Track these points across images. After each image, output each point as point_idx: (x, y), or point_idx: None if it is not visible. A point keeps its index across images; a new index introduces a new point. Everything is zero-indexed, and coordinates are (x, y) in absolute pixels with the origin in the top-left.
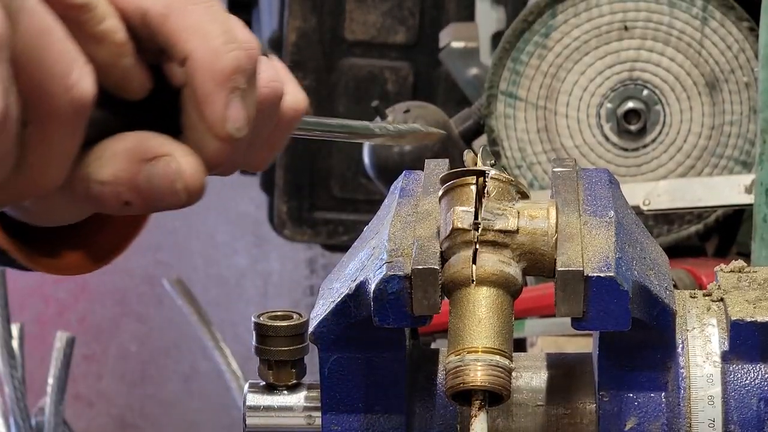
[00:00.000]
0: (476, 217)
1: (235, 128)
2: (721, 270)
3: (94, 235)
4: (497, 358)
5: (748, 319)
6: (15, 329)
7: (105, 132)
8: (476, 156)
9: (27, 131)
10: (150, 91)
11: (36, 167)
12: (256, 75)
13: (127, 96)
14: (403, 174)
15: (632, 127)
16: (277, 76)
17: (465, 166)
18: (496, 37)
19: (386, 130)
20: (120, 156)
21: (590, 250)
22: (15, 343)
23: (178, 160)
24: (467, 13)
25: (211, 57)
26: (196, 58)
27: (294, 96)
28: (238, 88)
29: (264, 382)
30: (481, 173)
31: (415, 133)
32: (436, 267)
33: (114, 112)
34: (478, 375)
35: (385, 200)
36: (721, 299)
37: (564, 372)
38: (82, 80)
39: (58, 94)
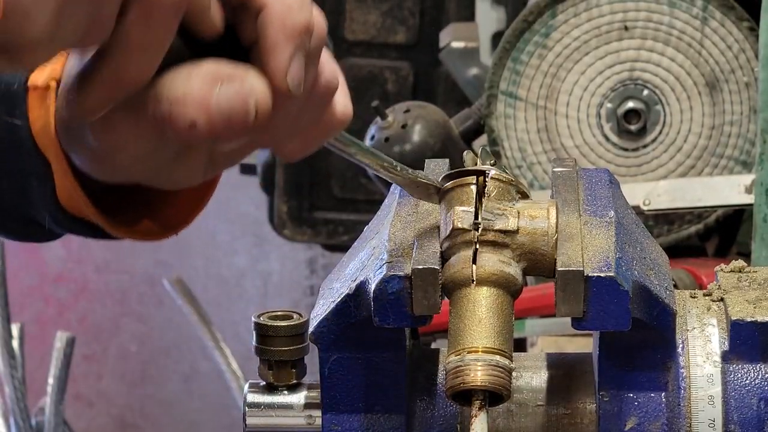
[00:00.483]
0: (476, 217)
1: (294, 84)
2: (721, 270)
3: (163, 208)
4: (497, 358)
5: (749, 319)
6: (15, 329)
7: (177, 60)
8: (476, 156)
9: (130, 10)
10: (220, 37)
11: (133, 50)
12: (320, 51)
13: (200, 31)
14: None
15: (632, 127)
16: (335, 75)
17: (465, 166)
18: (496, 37)
19: (406, 174)
20: (193, 76)
21: (590, 250)
22: (15, 343)
23: (251, 80)
24: (467, 13)
25: (285, 11)
26: (270, 11)
27: (344, 102)
28: (304, 47)
29: (264, 382)
30: (482, 173)
31: (427, 187)
32: (436, 267)
33: (187, 43)
34: (478, 375)
35: (385, 200)
36: (721, 299)
37: (564, 372)
38: None
39: None
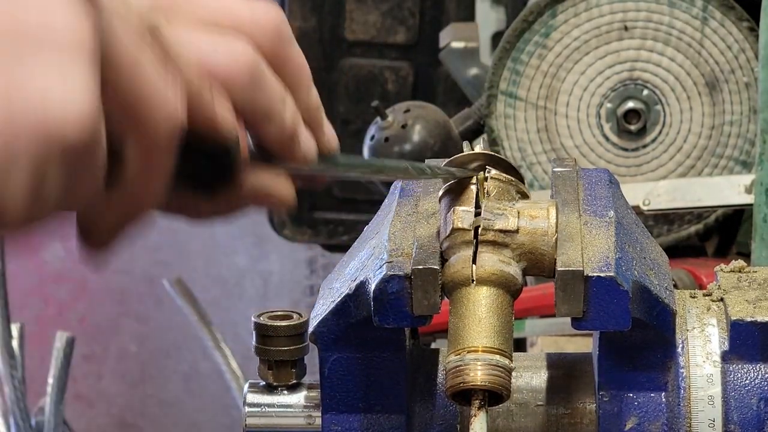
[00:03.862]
0: (476, 217)
1: None
2: (721, 270)
3: None
4: (497, 357)
5: (748, 319)
6: (15, 329)
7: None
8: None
9: (127, 146)
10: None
11: (137, 183)
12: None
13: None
14: None
15: (632, 127)
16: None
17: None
18: (496, 37)
19: (422, 171)
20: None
21: (590, 250)
22: (15, 343)
23: (275, 190)
24: (467, 13)
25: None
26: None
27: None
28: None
29: (264, 382)
30: (487, 156)
31: (450, 175)
32: (436, 267)
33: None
34: (478, 374)
35: (385, 200)
36: (721, 299)
37: (564, 372)
38: (178, 103)
39: (158, 110)
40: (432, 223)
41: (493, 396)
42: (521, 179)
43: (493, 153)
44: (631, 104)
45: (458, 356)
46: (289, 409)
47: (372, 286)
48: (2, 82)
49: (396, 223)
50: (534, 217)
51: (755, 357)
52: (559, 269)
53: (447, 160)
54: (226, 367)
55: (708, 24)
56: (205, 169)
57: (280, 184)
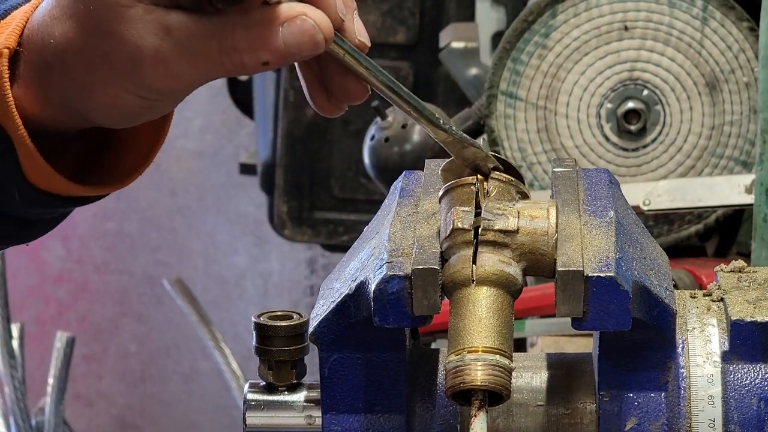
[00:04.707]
0: (476, 217)
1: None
2: (721, 270)
3: (122, 155)
4: (497, 357)
5: (748, 319)
6: (15, 329)
7: None
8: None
9: None
10: None
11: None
12: None
13: None
14: (403, 174)
15: (632, 127)
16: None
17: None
18: (496, 37)
19: (450, 129)
20: (255, 25)
21: (590, 250)
22: (15, 343)
23: (310, 15)
24: (467, 13)
25: None
26: None
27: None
28: None
29: (264, 382)
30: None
31: (476, 150)
32: (436, 267)
33: None
34: (478, 374)
35: (385, 200)
36: (721, 299)
37: (564, 372)
38: None
39: None
40: (432, 223)
41: (493, 396)
42: (521, 179)
43: (493, 153)
44: (631, 104)
45: (458, 356)
46: (289, 410)
47: (372, 286)
48: None
49: (396, 223)
50: (534, 217)
51: (755, 357)
52: (559, 269)
53: (447, 160)
54: (226, 367)
55: (708, 24)
56: None
57: (316, 12)
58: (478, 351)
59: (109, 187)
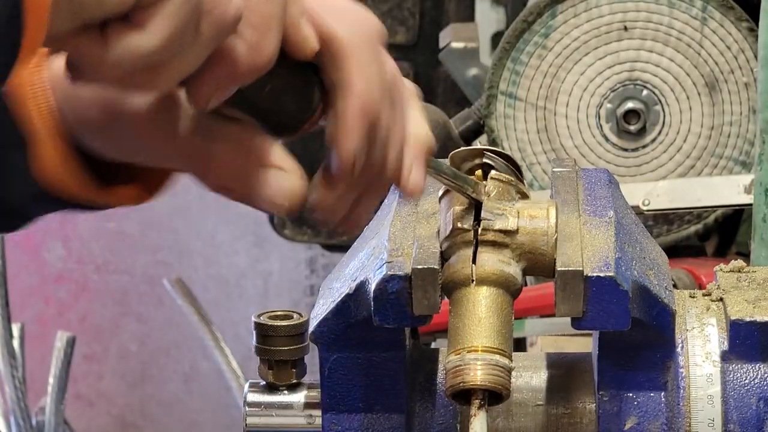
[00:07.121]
0: (476, 217)
1: (355, 168)
2: (721, 270)
3: (144, 173)
4: (497, 357)
5: (748, 319)
6: (15, 329)
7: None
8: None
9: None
10: (303, 63)
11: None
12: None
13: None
14: None
15: (632, 128)
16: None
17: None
18: (496, 37)
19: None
20: (237, 149)
21: (590, 250)
22: (15, 343)
23: (291, 178)
24: (467, 13)
25: (366, 93)
26: (352, 91)
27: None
28: (375, 135)
29: (264, 382)
30: (481, 153)
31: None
32: (436, 267)
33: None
34: (478, 374)
35: (385, 200)
36: (721, 299)
37: (564, 372)
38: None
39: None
40: (432, 223)
41: (493, 396)
42: (520, 171)
43: (491, 148)
44: (630, 104)
45: (458, 356)
46: (289, 409)
47: (372, 286)
48: None
49: (396, 223)
50: (534, 217)
51: (754, 357)
52: (558, 269)
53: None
54: (226, 367)
55: (707, 24)
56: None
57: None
58: (477, 350)
59: (126, 200)
